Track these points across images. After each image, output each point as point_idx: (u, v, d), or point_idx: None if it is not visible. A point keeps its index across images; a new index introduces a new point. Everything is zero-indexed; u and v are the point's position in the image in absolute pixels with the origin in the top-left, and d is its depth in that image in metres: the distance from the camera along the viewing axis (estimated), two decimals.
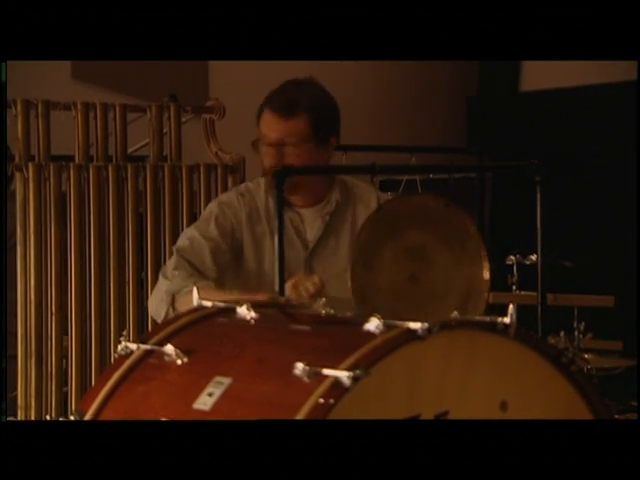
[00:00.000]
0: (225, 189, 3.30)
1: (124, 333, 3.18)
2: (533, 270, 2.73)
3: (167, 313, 2.80)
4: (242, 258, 2.88)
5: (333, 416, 1.60)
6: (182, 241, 2.92)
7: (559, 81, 5.90)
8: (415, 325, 1.72)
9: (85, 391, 3.11)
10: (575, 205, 5.40)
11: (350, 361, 1.66)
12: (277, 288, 2.49)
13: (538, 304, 2.66)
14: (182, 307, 2.76)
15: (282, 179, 2.53)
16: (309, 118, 2.81)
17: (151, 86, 4.78)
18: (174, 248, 2.92)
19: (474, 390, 1.79)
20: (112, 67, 4.13)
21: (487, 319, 1.82)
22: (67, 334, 3.17)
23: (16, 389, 3.14)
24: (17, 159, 3.14)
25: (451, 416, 1.74)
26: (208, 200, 3.20)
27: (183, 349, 1.88)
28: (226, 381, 1.76)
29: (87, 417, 1.88)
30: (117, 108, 3.25)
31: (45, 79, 4.62)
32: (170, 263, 2.88)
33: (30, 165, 3.13)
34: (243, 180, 3.31)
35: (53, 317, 3.15)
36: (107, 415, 1.87)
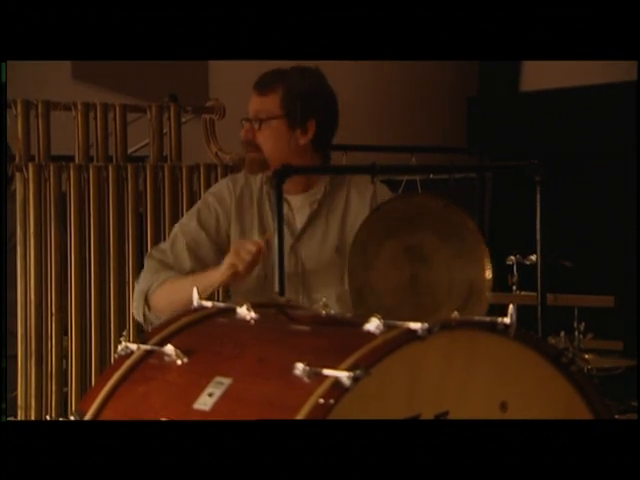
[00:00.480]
0: None
1: (124, 333, 3.16)
2: (533, 270, 2.73)
3: (145, 314, 2.85)
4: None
5: (333, 416, 1.60)
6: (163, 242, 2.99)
7: (559, 81, 5.90)
8: (415, 325, 1.72)
9: (85, 391, 3.11)
10: (575, 205, 5.39)
11: (350, 361, 1.66)
12: (277, 288, 2.49)
13: (538, 304, 2.66)
14: (157, 301, 2.80)
15: (282, 179, 2.53)
16: (282, 96, 2.81)
17: (151, 86, 4.77)
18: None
19: (474, 390, 1.79)
20: (112, 67, 4.12)
21: (487, 319, 1.82)
22: (67, 334, 3.17)
23: (16, 389, 3.14)
24: (17, 159, 3.15)
25: (451, 416, 1.74)
26: None
27: (183, 349, 1.88)
28: (226, 381, 1.76)
29: (87, 417, 1.88)
30: (117, 108, 3.26)
31: (45, 79, 4.61)
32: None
33: (30, 165, 3.13)
34: None
35: (53, 317, 3.15)
36: (107, 415, 1.87)
